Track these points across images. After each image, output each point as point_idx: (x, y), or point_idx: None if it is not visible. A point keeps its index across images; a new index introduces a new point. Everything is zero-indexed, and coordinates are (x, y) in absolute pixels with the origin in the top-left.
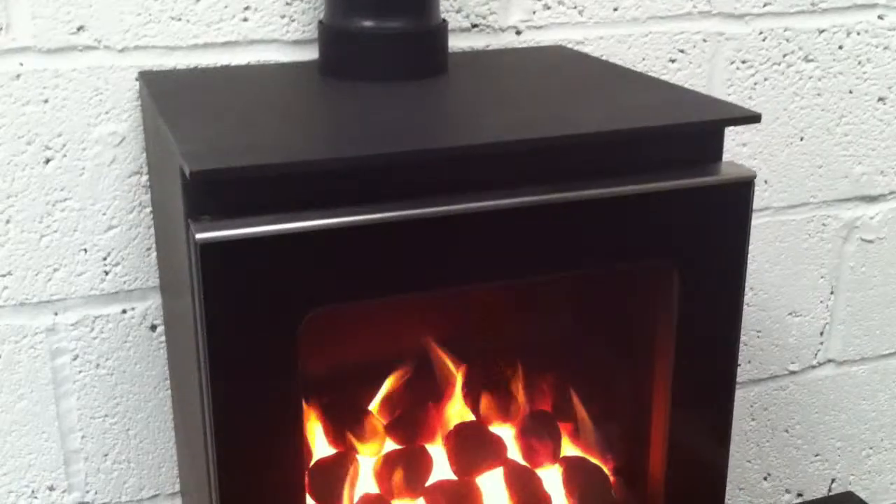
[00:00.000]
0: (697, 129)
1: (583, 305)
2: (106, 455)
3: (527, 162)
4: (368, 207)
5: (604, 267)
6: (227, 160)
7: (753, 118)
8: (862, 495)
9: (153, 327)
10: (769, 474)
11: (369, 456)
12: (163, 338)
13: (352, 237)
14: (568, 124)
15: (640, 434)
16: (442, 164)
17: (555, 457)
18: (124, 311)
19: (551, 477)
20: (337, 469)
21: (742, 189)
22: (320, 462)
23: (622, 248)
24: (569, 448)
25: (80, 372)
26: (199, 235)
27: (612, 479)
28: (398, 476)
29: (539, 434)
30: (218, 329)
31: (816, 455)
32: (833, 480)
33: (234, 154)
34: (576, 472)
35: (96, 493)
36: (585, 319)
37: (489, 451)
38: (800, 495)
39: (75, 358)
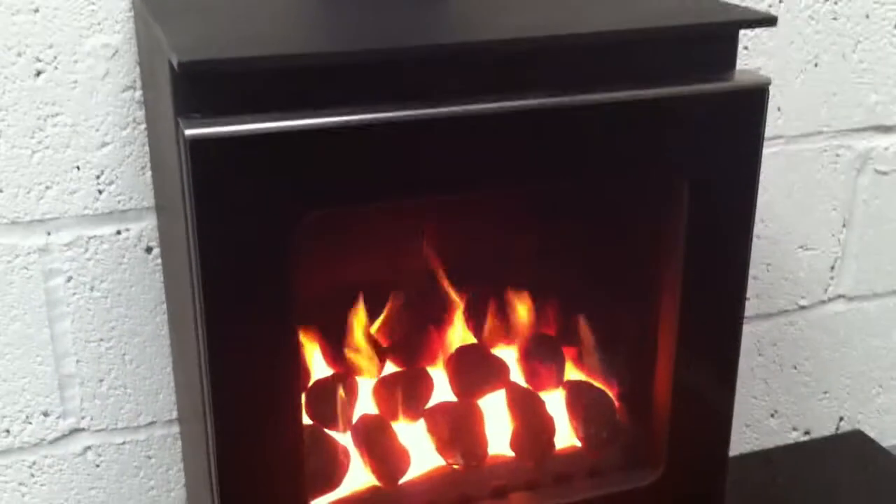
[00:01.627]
0: (711, 30)
1: (590, 227)
2: (101, 380)
3: (534, 64)
4: (369, 107)
5: (612, 175)
6: (218, 52)
7: (768, 20)
8: (870, 434)
9: (148, 249)
10: (776, 411)
11: (368, 378)
12: (158, 261)
13: (350, 138)
14: (579, 25)
15: (645, 362)
16: (448, 63)
17: (558, 380)
18: (119, 232)
19: (554, 400)
20: (335, 390)
21: (756, 97)
22: (318, 383)
23: (632, 157)
24: (572, 373)
25: (75, 294)
26: (188, 132)
27: (616, 404)
28: (398, 397)
29: (542, 357)
30: (210, 235)
31: (825, 392)
32: (841, 419)
33: (226, 47)
34: (580, 396)
35: (92, 419)
36: (592, 243)
37: (491, 373)
38: (807, 433)
39: (69, 280)
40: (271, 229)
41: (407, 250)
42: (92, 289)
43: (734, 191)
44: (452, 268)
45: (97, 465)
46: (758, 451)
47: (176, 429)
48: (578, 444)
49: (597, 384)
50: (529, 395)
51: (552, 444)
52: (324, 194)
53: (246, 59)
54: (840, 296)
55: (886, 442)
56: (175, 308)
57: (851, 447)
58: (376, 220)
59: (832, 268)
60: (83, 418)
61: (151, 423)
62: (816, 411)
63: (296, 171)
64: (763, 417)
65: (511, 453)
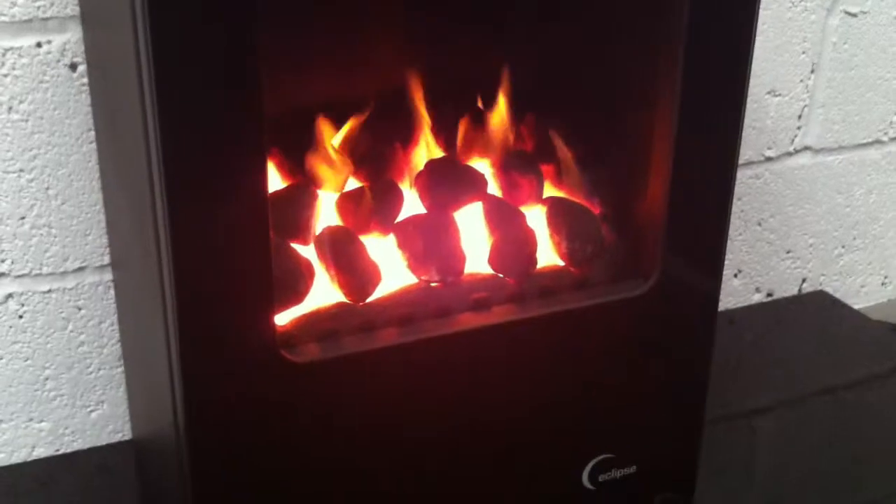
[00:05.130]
0: None
1: (576, 34)
2: (23, 218)
3: None
4: None
5: None
6: None
7: None
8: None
9: (73, 66)
10: (740, 271)
11: (331, 191)
12: (85, 79)
13: None
14: None
15: (634, 177)
16: None
17: (538, 195)
18: (39, 45)
19: (535, 217)
20: (294, 199)
21: None
22: (277, 194)
23: None
24: (552, 192)
25: None
26: None
27: (600, 220)
28: (365, 209)
29: (521, 170)
30: (165, 47)
31: (788, 252)
32: (804, 280)
33: None
34: (561, 211)
35: (13, 262)
36: (579, 53)
37: (466, 185)
38: (770, 294)
39: None
40: (233, 33)
41: (372, 63)
42: (10, 110)
43: None
44: (421, 80)
45: (20, 317)
46: (721, 311)
47: (108, 276)
48: (561, 262)
49: (579, 202)
50: (508, 208)
51: (534, 260)
52: None
53: None
54: (806, 147)
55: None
56: (109, 134)
57: (817, 307)
58: (341, 31)
59: (799, 116)
60: (3, 261)
61: (81, 269)
62: (780, 272)
63: None
64: (727, 278)
65: (490, 270)
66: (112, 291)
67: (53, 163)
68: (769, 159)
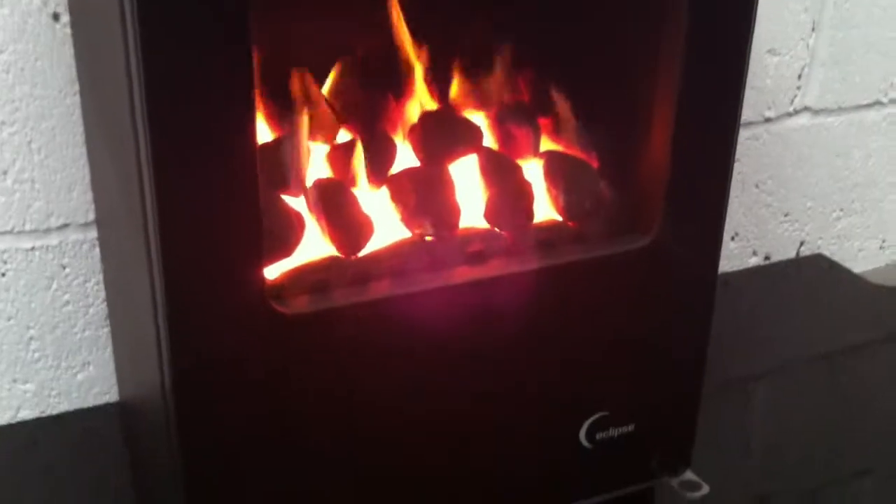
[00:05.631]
0: None
1: None
2: (5, 173)
3: None
4: None
5: None
6: None
7: None
8: None
9: (56, 16)
10: (737, 234)
11: (322, 143)
12: (68, 30)
13: None
14: None
15: (635, 132)
16: None
17: (535, 149)
18: None
19: (531, 170)
20: (285, 152)
21: None
22: (266, 145)
23: None
24: (549, 146)
25: None
26: None
27: (599, 174)
28: (357, 161)
29: (517, 122)
30: None
31: (786, 215)
32: (802, 243)
33: None
34: (559, 165)
35: None
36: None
37: (461, 137)
38: (767, 258)
39: None
40: None
41: (363, 11)
42: None
43: None
44: (414, 30)
45: (3, 275)
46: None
47: (93, 233)
48: (559, 216)
49: (577, 155)
50: (504, 161)
51: (531, 214)
52: None
53: None
54: (806, 108)
55: None
56: (93, 86)
57: (814, 270)
58: None
59: (799, 76)
60: None
61: (64, 226)
62: (777, 235)
63: None
64: (724, 241)
65: (486, 224)
66: (97, 249)
67: (36, 116)
68: (768, 120)
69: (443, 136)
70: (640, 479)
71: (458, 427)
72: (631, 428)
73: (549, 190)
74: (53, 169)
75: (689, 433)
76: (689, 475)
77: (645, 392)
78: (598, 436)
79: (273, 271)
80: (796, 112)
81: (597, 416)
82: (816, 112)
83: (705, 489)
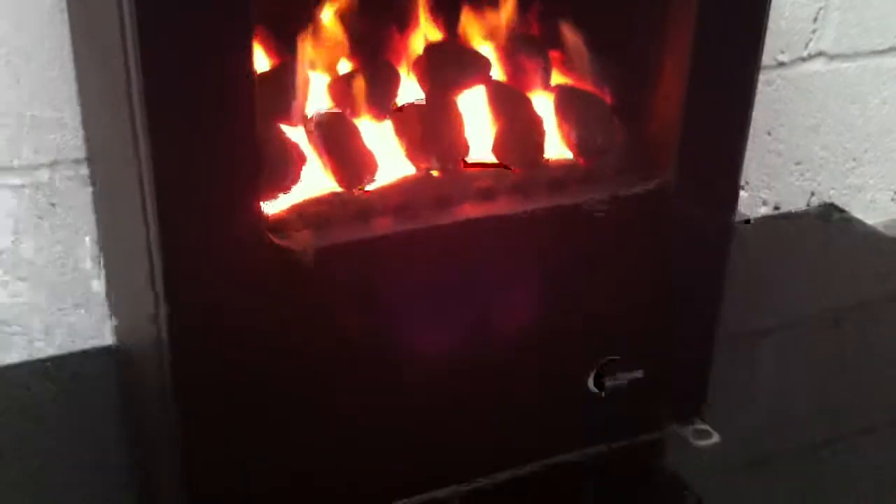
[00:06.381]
0: None
1: None
2: None
3: None
4: None
5: None
6: None
7: None
8: None
9: None
10: (746, 182)
11: (322, 72)
12: None
13: None
14: None
15: (649, 69)
16: None
17: (545, 82)
18: None
19: (542, 104)
20: (284, 81)
21: None
22: (264, 74)
23: None
24: (560, 81)
25: None
26: None
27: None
28: (360, 91)
29: (528, 53)
30: None
31: (797, 164)
32: (812, 194)
33: None
34: (571, 99)
35: None
36: None
37: (468, 68)
38: (777, 208)
39: None
40: None
41: None
42: None
43: None
44: None
45: None
46: None
47: (85, 170)
48: (570, 153)
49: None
50: (514, 94)
51: (541, 149)
52: None
53: None
54: (821, 53)
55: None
56: (82, 16)
57: (826, 221)
58: None
59: (815, 19)
60: None
61: (55, 163)
62: (788, 184)
63: None
64: None
65: (495, 159)
66: (89, 188)
67: (23, 50)
68: (781, 64)
69: (449, 67)
70: (651, 428)
71: (460, 369)
72: (640, 374)
73: (560, 125)
74: (43, 104)
75: (702, 381)
76: (699, 424)
77: (655, 337)
78: (608, 382)
79: (275, 205)
80: (811, 57)
81: (605, 360)
82: (832, 57)
83: (716, 437)
